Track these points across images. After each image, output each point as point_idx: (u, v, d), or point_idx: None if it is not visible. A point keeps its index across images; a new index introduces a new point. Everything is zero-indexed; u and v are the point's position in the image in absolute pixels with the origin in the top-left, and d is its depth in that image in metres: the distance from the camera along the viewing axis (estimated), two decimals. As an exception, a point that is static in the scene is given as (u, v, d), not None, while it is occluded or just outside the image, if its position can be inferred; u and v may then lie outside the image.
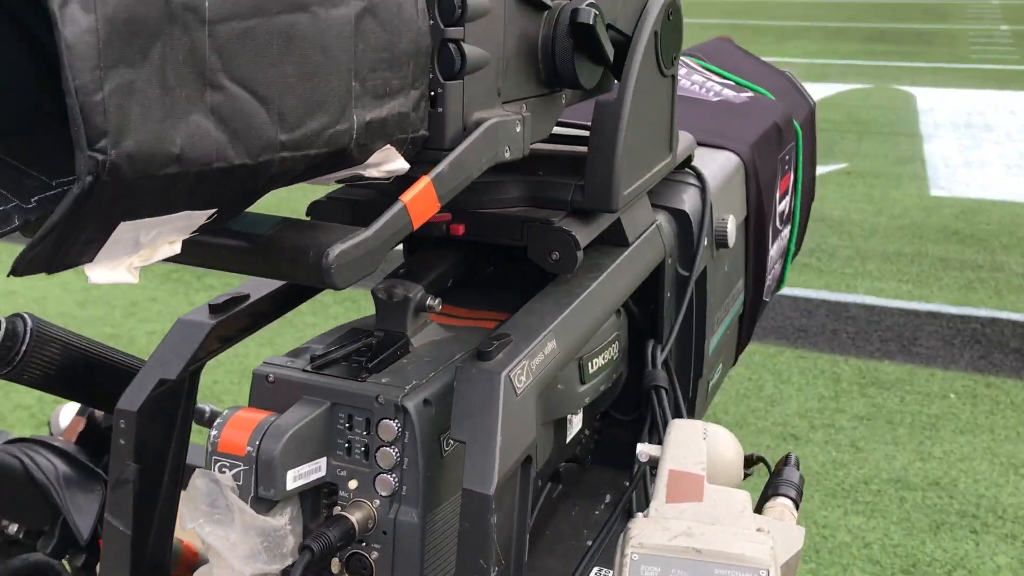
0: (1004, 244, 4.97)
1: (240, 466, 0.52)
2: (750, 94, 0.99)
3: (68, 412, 0.88)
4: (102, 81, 0.38)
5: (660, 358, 0.72)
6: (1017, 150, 6.76)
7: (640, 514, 0.58)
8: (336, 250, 0.45)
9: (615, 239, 0.68)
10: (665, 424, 0.70)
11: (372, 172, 0.49)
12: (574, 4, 0.55)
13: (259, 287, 0.62)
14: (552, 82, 0.57)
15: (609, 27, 0.61)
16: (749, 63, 1.09)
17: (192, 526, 0.53)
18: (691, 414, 0.82)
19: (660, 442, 0.62)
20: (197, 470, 0.53)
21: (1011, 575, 2.59)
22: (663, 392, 0.71)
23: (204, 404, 0.76)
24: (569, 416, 0.69)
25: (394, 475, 0.55)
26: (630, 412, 0.83)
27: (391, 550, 0.55)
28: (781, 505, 0.65)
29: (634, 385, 0.77)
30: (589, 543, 0.75)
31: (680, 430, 0.63)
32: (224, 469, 0.53)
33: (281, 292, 0.64)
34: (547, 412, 0.66)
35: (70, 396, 0.71)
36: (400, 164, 0.50)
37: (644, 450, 0.62)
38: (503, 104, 0.54)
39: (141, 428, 0.56)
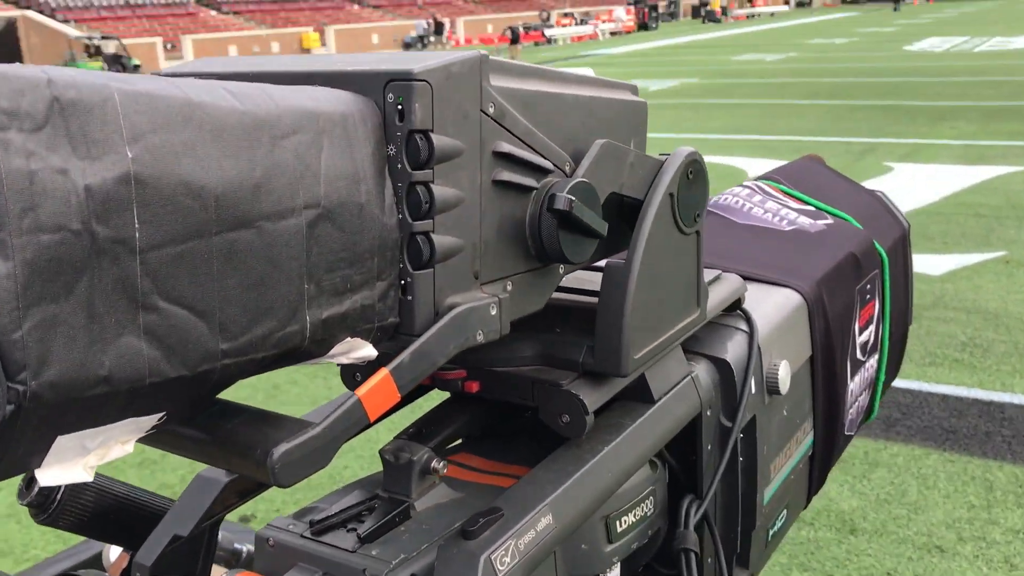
0: None
1: None
2: (830, 220, 0.96)
3: (116, 547, 0.92)
4: (21, 320, 0.39)
5: (694, 519, 0.69)
6: None
7: None
8: (280, 450, 0.46)
9: (640, 395, 0.66)
10: None
11: (340, 359, 0.50)
12: (555, 189, 0.55)
13: None
14: (543, 257, 0.57)
15: (615, 195, 0.61)
16: (836, 185, 1.05)
17: None
18: (745, 566, 0.78)
19: None
20: None
21: None
22: (692, 555, 0.68)
23: (241, 545, 0.78)
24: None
25: None
26: (674, 566, 0.79)
27: None
28: None
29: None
30: None
31: None
32: None
33: None
34: (569, 571, 0.64)
35: (104, 539, 0.74)
36: (368, 351, 0.50)
37: None
38: (482, 286, 0.54)
39: None
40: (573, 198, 0.54)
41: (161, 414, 0.46)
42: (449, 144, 0.49)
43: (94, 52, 28.88)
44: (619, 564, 0.69)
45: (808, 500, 0.89)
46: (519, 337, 0.65)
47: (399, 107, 0.48)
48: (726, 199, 0.98)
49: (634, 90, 0.67)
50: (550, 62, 27.38)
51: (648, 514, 0.68)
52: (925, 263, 5.97)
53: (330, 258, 0.46)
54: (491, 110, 0.51)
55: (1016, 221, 6.85)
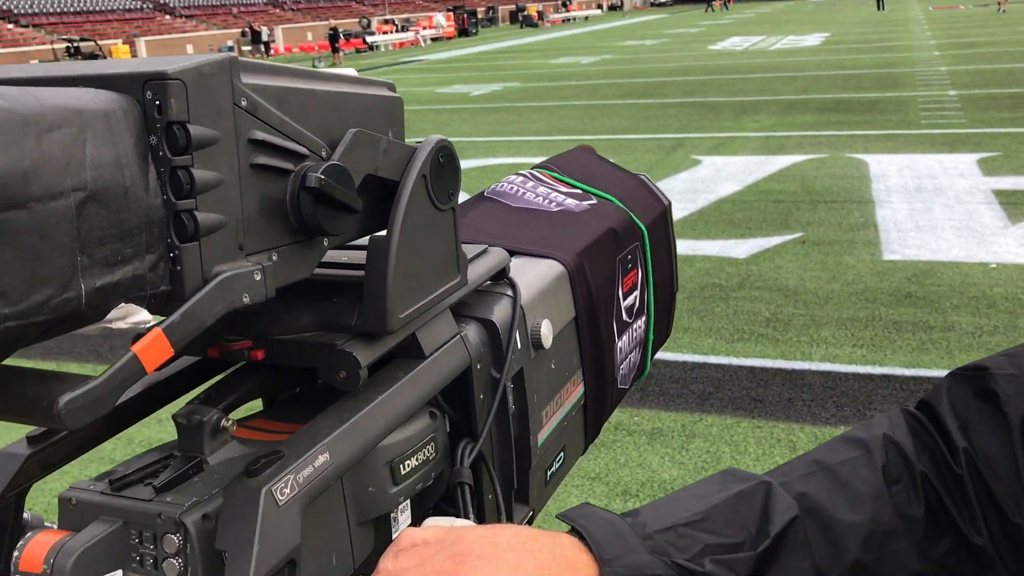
0: (955, 304, 5.09)
1: None
2: (594, 201, 1.09)
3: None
4: None
5: (469, 458, 0.79)
6: (966, 211, 6.95)
7: None
8: (66, 398, 0.52)
9: (412, 352, 0.76)
10: (468, 518, 0.77)
11: (119, 325, 0.57)
12: (309, 170, 0.64)
13: None
14: (306, 231, 0.66)
15: (371, 177, 0.70)
16: (603, 171, 1.18)
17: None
18: (526, 502, 0.89)
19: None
20: None
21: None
22: (466, 488, 0.78)
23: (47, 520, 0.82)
24: (392, 515, 0.76)
25: None
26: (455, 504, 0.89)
27: None
28: None
29: None
30: None
31: (431, 520, 0.71)
32: None
33: (99, 422, 0.71)
34: (361, 512, 0.73)
35: None
36: (143, 315, 0.58)
37: (430, 522, 0.69)
38: (248, 256, 0.62)
39: None
40: (324, 177, 0.63)
41: None
42: (205, 133, 0.57)
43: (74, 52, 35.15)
44: (408, 504, 0.78)
45: (587, 445, 1.01)
46: (298, 308, 0.72)
47: (157, 103, 0.56)
48: (502, 186, 1.09)
49: (391, 87, 0.76)
50: (374, 68, 27.28)
51: (431, 458, 0.77)
52: (731, 248, 6.39)
53: (99, 234, 0.53)
54: (244, 103, 0.60)
55: (811, 205, 7.43)
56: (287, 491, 0.61)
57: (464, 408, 0.81)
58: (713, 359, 4.64)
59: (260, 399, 0.79)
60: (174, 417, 0.69)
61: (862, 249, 6.19)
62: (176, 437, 0.69)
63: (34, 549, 0.60)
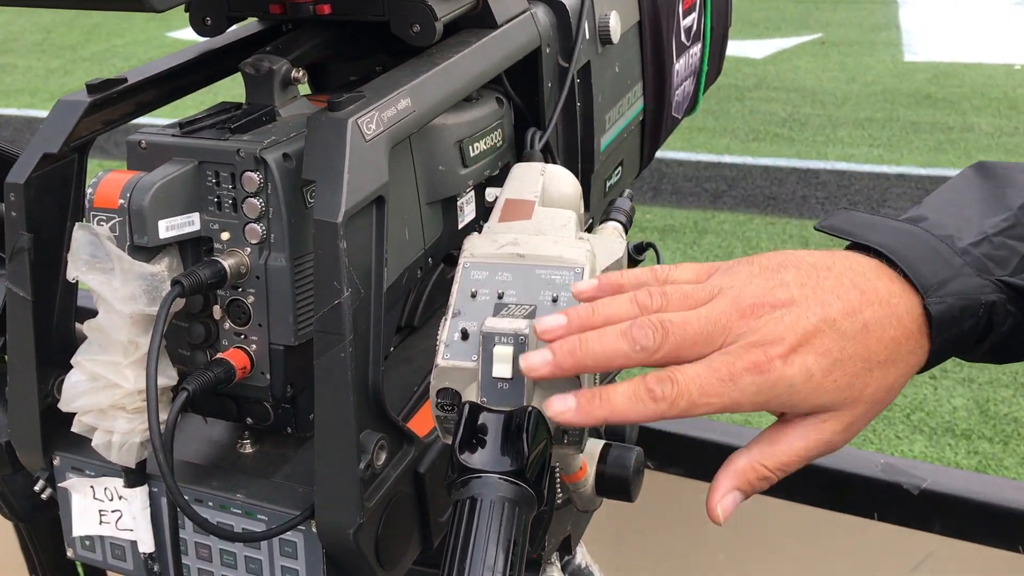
0: (975, 106, 4.97)
1: (115, 218, 0.57)
2: None
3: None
4: None
5: (540, 143, 0.76)
6: (991, 13, 6.69)
7: (474, 232, 0.62)
8: None
9: (484, 22, 0.71)
10: None
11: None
12: None
13: (138, 73, 0.66)
14: None
15: None
16: None
17: (75, 275, 0.57)
18: (587, 207, 0.86)
19: None
20: (76, 224, 0.57)
21: (966, 414, 2.69)
22: None
23: None
24: (460, 203, 0.74)
25: (261, 224, 0.60)
26: None
27: (264, 293, 0.60)
28: (610, 227, 0.69)
29: None
30: None
31: (520, 168, 0.67)
32: (101, 223, 0.57)
33: (160, 78, 0.67)
34: (431, 190, 0.70)
35: None
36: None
37: (492, 191, 0.67)
38: None
39: (31, 200, 0.60)
40: None
41: None
42: None
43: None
44: (473, 195, 0.75)
45: (642, 166, 0.98)
46: None
47: None
48: None
49: None
50: None
51: (498, 145, 0.74)
52: (748, 48, 6.18)
53: None
54: None
55: (831, 4, 7.13)
56: (372, 126, 0.58)
57: (531, 98, 0.77)
58: (728, 158, 4.57)
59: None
60: (240, 67, 0.64)
61: (883, 50, 5.99)
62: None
63: (108, 186, 0.57)
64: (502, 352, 0.51)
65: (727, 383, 0.49)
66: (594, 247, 0.59)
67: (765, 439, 0.53)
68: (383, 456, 0.60)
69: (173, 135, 0.60)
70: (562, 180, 0.66)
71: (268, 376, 0.62)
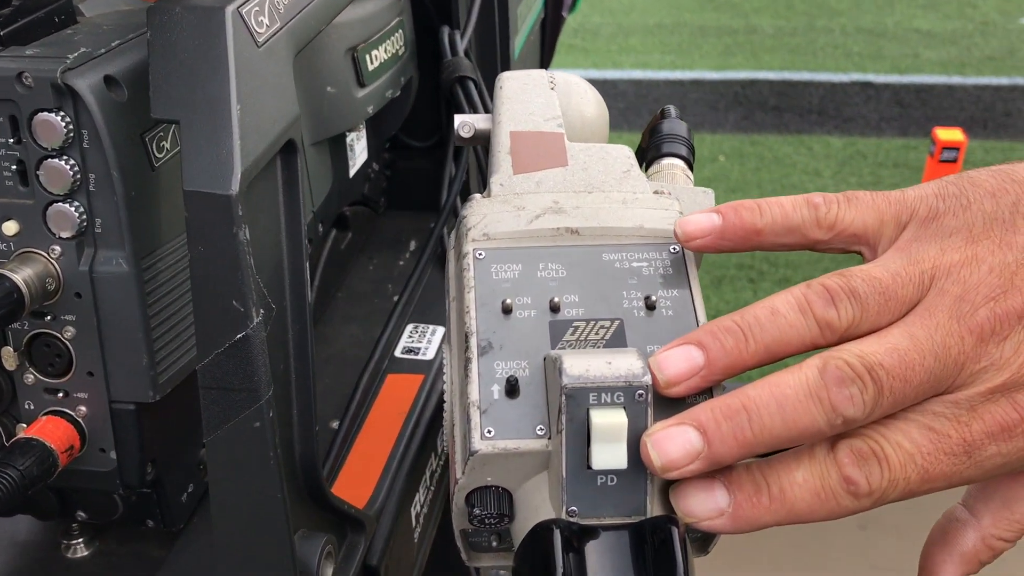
0: (756, 7, 5.08)
1: None
2: None
3: None
4: None
5: (462, 45, 0.57)
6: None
7: (477, 195, 0.38)
8: None
9: None
10: None
11: None
12: None
13: None
14: None
15: None
16: None
17: None
18: None
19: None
20: None
21: (786, 315, 2.74)
22: (470, 84, 0.55)
23: None
24: (349, 140, 0.53)
25: (75, 203, 0.36)
26: (428, 136, 0.68)
27: (94, 320, 0.37)
28: (670, 166, 0.45)
29: (429, 97, 0.62)
30: (396, 299, 0.61)
31: (515, 81, 0.44)
32: None
33: None
34: (317, 127, 0.49)
35: None
36: None
37: (467, 120, 0.44)
38: None
39: None
40: None
41: None
42: None
43: None
44: (365, 129, 0.55)
45: (544, 67, 0.85)
46: None
47: None
48: None
49: None
50: None
51: (399, 53, 0.55)
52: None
53: None
54: None
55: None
56: (265, 20, 0.35)
57: None
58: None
59: None
60: None
61: (663, -45, 6.01)
62: None
63: None
64: (608, 423, 0.29)
65: (960, 457, 0.31)
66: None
67: (998, 503, 0.36)
68: (330, 569, 0.39)
69: None
70: (583, 96, 0.45)
71: (113, 455, 0.39)
